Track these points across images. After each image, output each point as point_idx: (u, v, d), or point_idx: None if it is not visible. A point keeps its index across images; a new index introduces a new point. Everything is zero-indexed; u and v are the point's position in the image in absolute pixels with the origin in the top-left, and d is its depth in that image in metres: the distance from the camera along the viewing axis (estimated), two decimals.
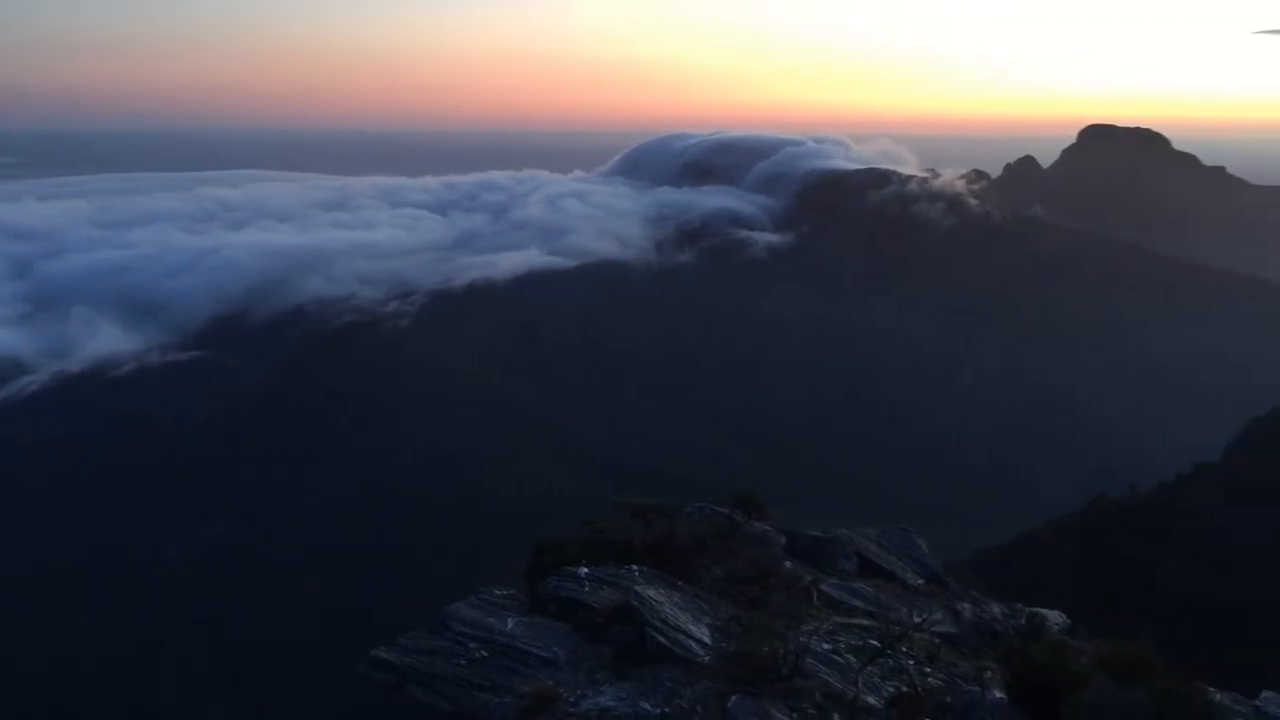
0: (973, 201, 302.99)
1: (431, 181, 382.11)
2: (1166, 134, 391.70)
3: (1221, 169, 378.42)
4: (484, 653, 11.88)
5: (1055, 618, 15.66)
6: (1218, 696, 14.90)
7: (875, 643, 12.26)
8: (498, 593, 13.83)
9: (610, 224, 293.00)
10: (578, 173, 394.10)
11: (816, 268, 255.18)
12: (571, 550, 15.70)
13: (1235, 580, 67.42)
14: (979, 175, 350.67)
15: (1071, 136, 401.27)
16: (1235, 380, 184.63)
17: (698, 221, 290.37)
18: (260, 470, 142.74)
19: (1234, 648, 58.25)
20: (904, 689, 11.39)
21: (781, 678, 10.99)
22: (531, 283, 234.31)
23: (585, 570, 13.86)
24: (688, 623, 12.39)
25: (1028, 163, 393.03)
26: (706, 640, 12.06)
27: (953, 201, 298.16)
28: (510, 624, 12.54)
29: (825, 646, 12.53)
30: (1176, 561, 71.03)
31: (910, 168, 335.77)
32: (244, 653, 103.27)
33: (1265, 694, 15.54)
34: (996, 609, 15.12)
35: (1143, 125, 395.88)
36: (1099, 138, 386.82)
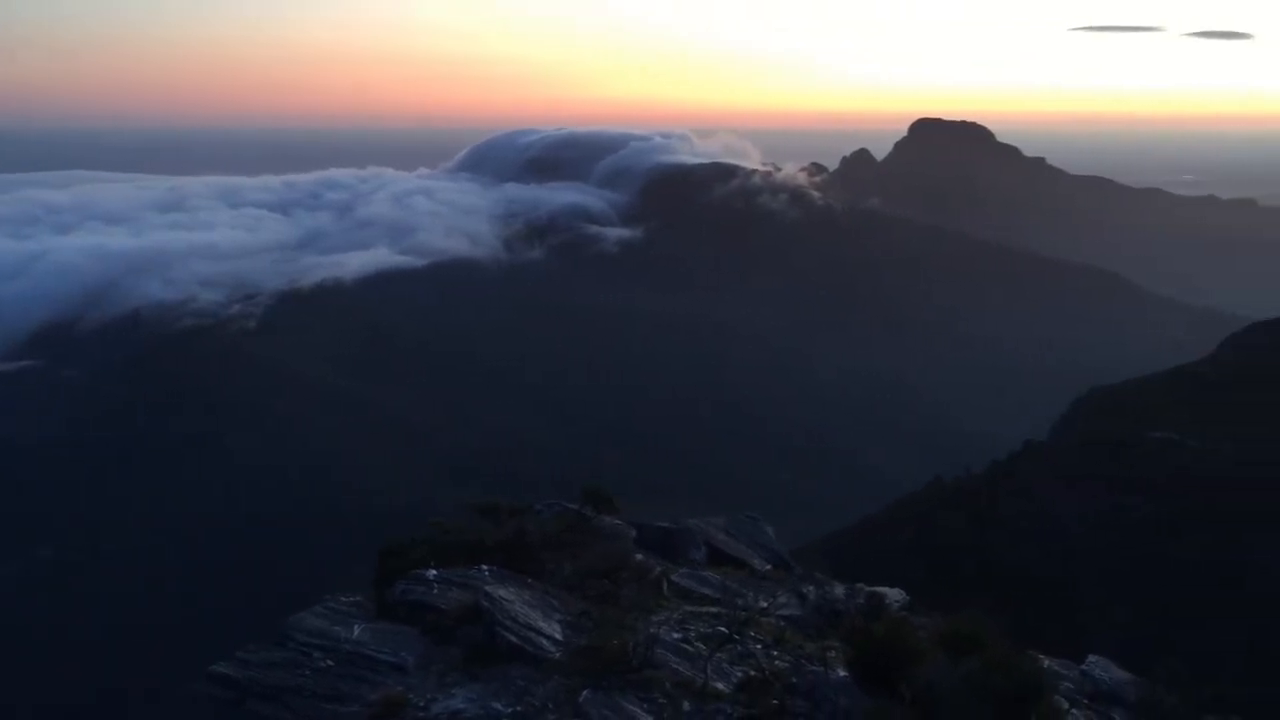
0: (814, 194, 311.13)
1: (272, 180, 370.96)
2: (991, 127, 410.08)
3: (1042, 159, 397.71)
4: (329, 662, 11.61)
5: (895, 595, 16.22)
6: (1047, 663, 15.65)
7: (724, 629, 12.48)
8: (344, 600, 13.54)
9: (459, 221, 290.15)
10: (422, 170, 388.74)
11: (665, 262, 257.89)
12: (419, 553, 15.49)
13: (1060, 553, 70.95)
14: (818, 169, 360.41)
15: (903, 130, 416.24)
16: (1062, 361, 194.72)
17: (546, 217, 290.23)
18: (94, 484, 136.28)
19: (1062, 617, 61.36)
20: (752, 673, 11.63)
21: (632, 669, 11.08)
22: (381, 282, 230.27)
23: (433, 573, 13.68)
24: (538, 620, 12.37)
25: (863, 156, 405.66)
26: (558, 636, 12.07)
27: (794, 195, 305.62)
28: (357, 631, 12.30)
29: (675, 636, 12.68)
30: (1007, 537, 74.30)
31: (753, 162, 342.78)
32: (80, 674, 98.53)
33: (1091, 658, 16.43)
34: (839, 590, 15.59)
35: (969, 119, 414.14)
36: (929, 131, 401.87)
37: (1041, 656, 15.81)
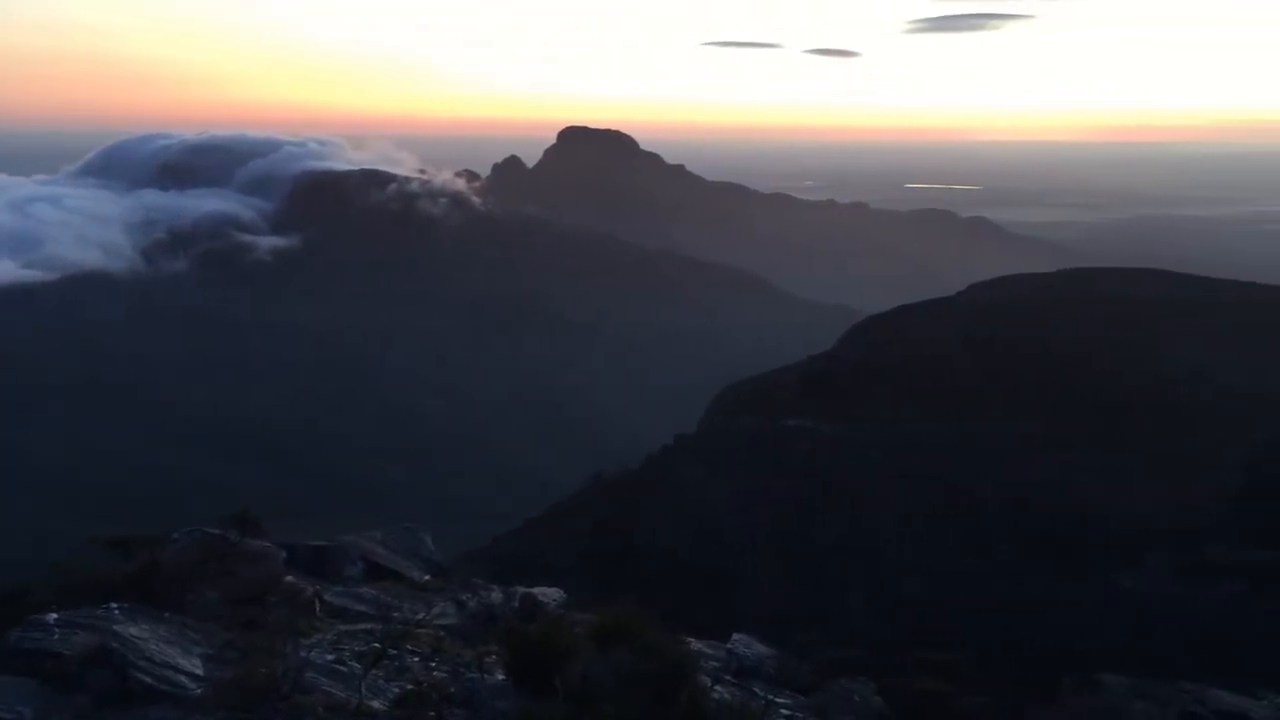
0: (469, 200, 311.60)
1: None
2: (634, 136, 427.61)
3: (682, 166, 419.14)
4: None
5: (553, 595, 16.49)
6: (696, 646, 16.41)
7: (378, 645, 12.20)
8: None
9: (91, 230, 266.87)
10: (41, 176, 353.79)
11: (320, 271, 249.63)
12: (39, 596, 14.07)
13: (711, 538, 75.01)
14: (472, 175, 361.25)
15: (552, 138, 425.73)
16: (706, 356, 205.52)
17: (190, 226, 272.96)
18: None
19: (714, 599, 64.84)
20: (409, 687, 11.45)
21: (282, 697, 10.59)
22: (4, 300, 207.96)
23: (54, 616, 12.45)
24: (177, 656, 11.55)
25: (514, 162, 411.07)
26: (199, 672, 11.33)
27: (449, 201, 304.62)
28: None
29: (329, 657, 12.25)
30: (662, 527, 77.67)
31: (407, 168, 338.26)
32: None
33: (736, 636, 17.41)
34: (497, 595, 15.67)
35: (613, 127, 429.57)
36: (576, 139, 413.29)
37: (691, 640, 16.57)
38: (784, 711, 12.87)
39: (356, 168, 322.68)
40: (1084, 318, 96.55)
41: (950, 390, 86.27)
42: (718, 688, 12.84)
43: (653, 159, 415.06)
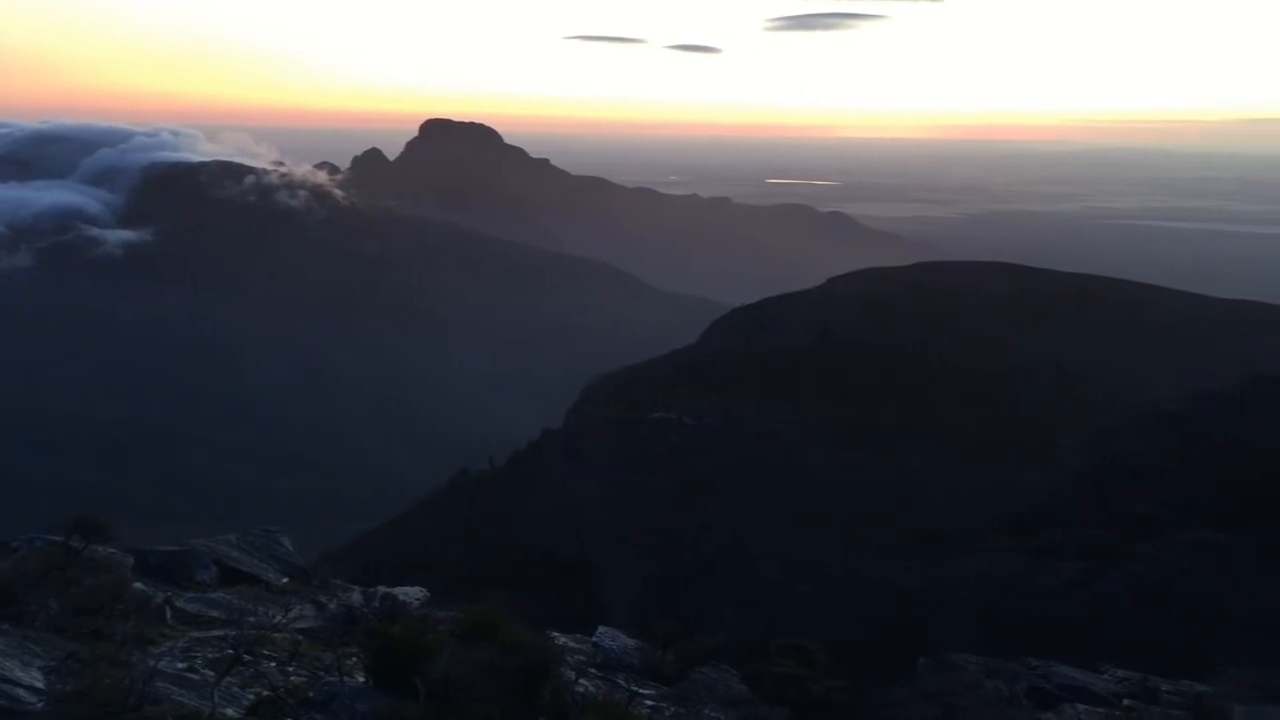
0: (330, 193, 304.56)
1: None
2: (498, 129, 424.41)
3: (546, 160, 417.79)
4: None
5: (415, 594, 16.29)
6: (562, 640, 16.42)
7: (232, 651, 11.85)
8: None
9: None
10: None
11: (174, 265, 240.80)
12: None
13: (580, 532, 75.10)
14: (332, 168, 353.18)
15: (413, 130, 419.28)
16: (573, 350, 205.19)
17: (32, 219, 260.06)
18: None
19: (584, 592, 64.96)
20: (265, 693, 11.16)
21: (129, 709, 10.20)
22: None
23: None
24: (15, 669, 11.03)
25: (375, 155, 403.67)
26: (39, 685, 10.83)
27: (309, 194, 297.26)
28: None
29: (180, 666, 11.87)
30: (531, 522, 77.40)
31: (264, 160, 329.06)
32: None
33: (600, 629, 17.48)
34: (357, 596, 15.41)
35: (477, 121, 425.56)
36: (439, 132, 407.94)
37: (556, 634, 16.56)
38: (648, 702, 12.98)
39: (211, 159, 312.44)
40: (937, 310, 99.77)
41: (811, 381, 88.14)
42: (582, 681, 12.87)
43: (517, 153, 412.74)
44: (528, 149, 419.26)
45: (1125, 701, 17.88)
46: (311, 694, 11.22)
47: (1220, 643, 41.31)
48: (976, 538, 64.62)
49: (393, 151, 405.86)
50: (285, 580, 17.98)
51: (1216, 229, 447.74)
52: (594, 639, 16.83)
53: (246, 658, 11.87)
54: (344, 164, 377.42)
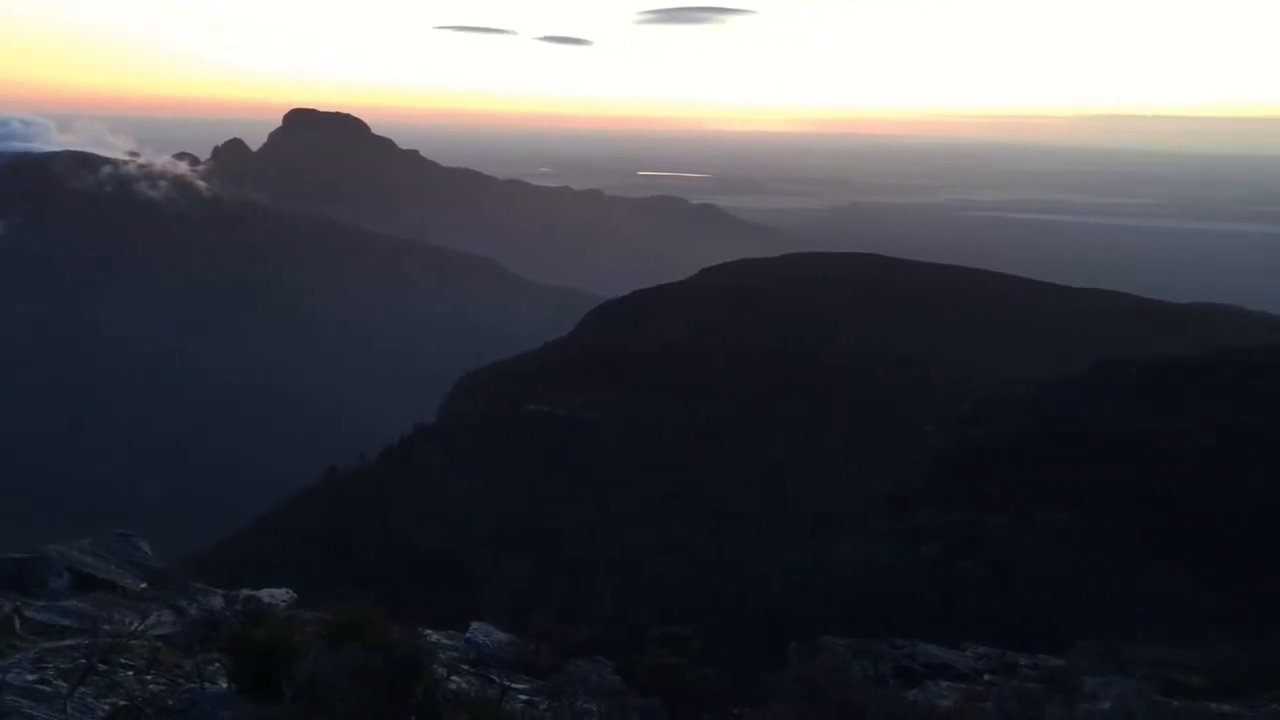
0: (192, 185, 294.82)
1: None
2: (365, 120, 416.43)
3: (416, 152, 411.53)
4: None
5: (281, 595, 15.91)
6: (434, 637, 16.23)
7: (85, 661, 11.39)
8: None
9: None
10: None
11: (25, 258, 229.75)
12: None
13: (454, 527, 74.42)
14: (191, 159, 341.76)
15: (276, 120, 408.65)
16: (446, 343, 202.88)
17: None
18: None
19: (460, 587, 64.41)
20: (121, 703, 10.76)
21: None
22: None
23: None
24: None
25: (236, 145, 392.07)
26: None
27: (169, 185, 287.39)
28: None
29: (30, 678, 11.37)
30: (405, 519, 76.39)
31: (120, 151, 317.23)
32: None
33: (474, 625, 17.35)
34: (218, 600, 14.98)
35: (344, 111, 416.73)
36: (304, 122, 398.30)
37: (429, 631, 16.37)
38: (521, 696, 12.93)
39: (64, 149, 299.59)
40: (807, 300, 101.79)
41: (684, 372, 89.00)
42: (454, 678, 12.75)
43: (385, 144, 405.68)
44: (397, 140, 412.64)
45: (986, 677, 18.56)
46: (171, 702, 10.87)
47: (1073, 617, 43.17)
48: (846, 523, 66.20)
49: (255, 142, 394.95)
50: (144, 586, 17.38)
51: (1069, 220, 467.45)
52: (467, 635, 16.71)
53: (101, 666, 11.43)
54: (204, 154, 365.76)
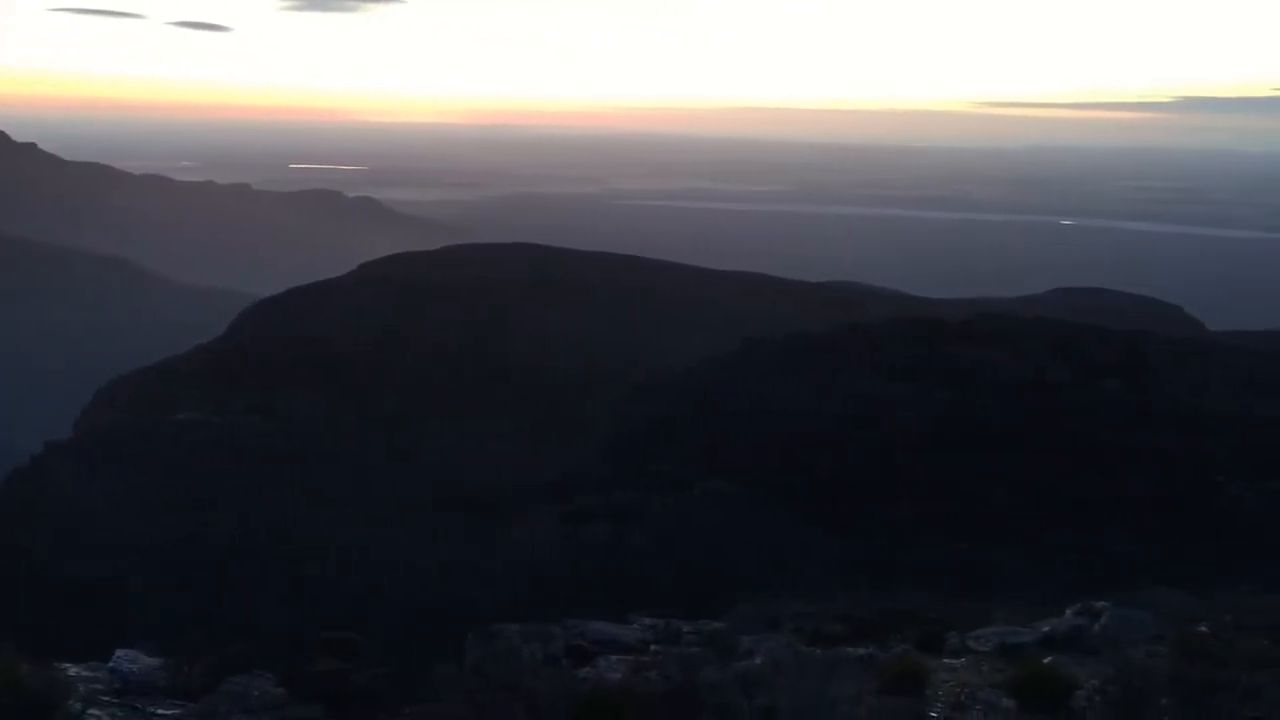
0: None
1: None
2: None
3: (34, 145, 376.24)
4: None
5: None
6: (72, 670, 14.95)
7: None
8: None
9: None
10: None
11: None
12: None
13: (100, 550, 68.81)
14: None
15: None
16: (79, 354, 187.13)
17: None
18: None
19: (111, 613, 59.66)
20: None
21: None
22: None
23: None
24: None
25: None
26: None
27: None
28: None
29: None
30: (41, 545, 69.88)
31: None
32: None
33: (119, 653, 16.08)
34: None
35: None
36: None
37: (67, 665, 15.08)
38: None
39: None
40: (468, 292, 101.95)
41: (347, 369, 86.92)
42: (93, 711, 11.83)
43: None
44: (9, 132, 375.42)
45: (652, 647, 19.32)
46: None
47: (732, 582, 45.80)
48: (517, 511, 67.01)
49: None
50: None
51: (715, 207, 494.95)
52: (109, 664, 15.52)
53: None
54: None
